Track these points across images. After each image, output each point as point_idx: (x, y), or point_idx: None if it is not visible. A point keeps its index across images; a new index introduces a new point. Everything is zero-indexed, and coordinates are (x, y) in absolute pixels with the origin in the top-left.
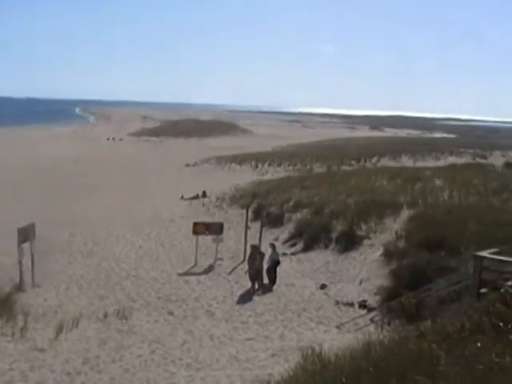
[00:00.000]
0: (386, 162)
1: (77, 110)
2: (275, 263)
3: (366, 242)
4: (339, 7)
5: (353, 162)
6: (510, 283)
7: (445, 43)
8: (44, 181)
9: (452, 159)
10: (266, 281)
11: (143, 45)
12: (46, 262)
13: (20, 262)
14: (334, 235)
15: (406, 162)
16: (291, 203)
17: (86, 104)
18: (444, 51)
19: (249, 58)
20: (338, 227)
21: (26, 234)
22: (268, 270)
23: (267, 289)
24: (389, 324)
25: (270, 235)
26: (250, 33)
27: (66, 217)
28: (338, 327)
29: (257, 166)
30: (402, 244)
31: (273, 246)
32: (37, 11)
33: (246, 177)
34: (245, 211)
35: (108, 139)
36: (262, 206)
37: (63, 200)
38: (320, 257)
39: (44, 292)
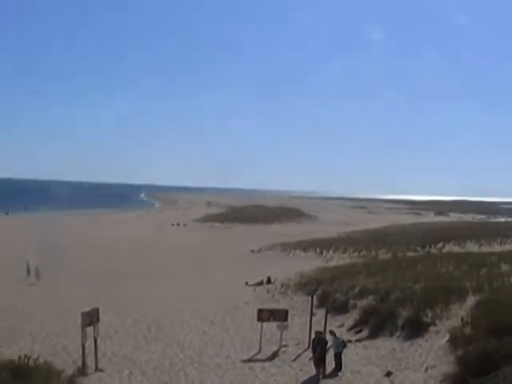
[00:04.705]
0: (452, 247)
1: (141, 195)
2: (339, 349)
3: (432, 328)
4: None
5: (418, 248)
6: None
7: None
8: (110, 264)
9: None
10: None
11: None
12: (110, 346)
13: (83, 346)
14: (399, 322)
15: (472, 247)
16: (356, 290)
17: (150, 189)
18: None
19: (308, 146)
20: (404, 314)
21: (89, 318)
22: (334, 356)
23: (332, 375)
24: None
25: (335, 322)
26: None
27: (130, 300)
28: None
29: (321, 253)
30: (468, 330)
31: (332, 333)
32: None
33: (310, 263)
34: (310, 298)
35: (173, 225)
36: (327, 293)
37: (128, 283)
38: (386, 343)
39: (107, 376)
